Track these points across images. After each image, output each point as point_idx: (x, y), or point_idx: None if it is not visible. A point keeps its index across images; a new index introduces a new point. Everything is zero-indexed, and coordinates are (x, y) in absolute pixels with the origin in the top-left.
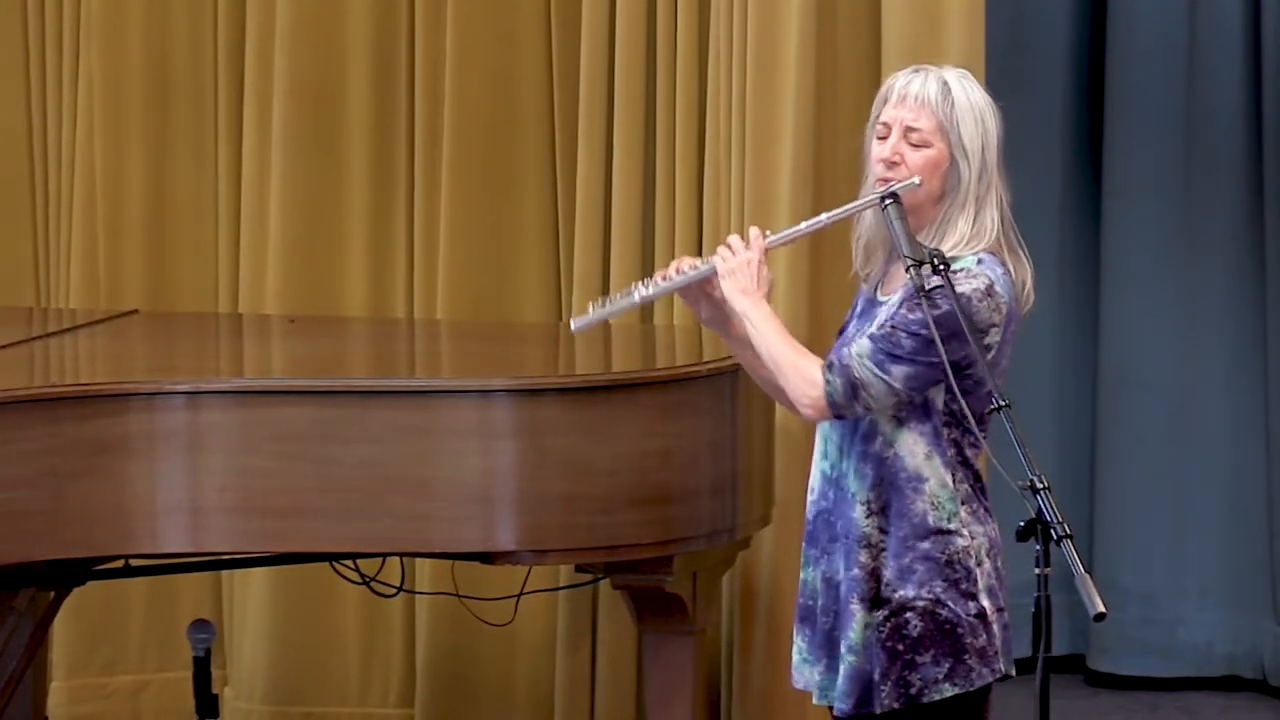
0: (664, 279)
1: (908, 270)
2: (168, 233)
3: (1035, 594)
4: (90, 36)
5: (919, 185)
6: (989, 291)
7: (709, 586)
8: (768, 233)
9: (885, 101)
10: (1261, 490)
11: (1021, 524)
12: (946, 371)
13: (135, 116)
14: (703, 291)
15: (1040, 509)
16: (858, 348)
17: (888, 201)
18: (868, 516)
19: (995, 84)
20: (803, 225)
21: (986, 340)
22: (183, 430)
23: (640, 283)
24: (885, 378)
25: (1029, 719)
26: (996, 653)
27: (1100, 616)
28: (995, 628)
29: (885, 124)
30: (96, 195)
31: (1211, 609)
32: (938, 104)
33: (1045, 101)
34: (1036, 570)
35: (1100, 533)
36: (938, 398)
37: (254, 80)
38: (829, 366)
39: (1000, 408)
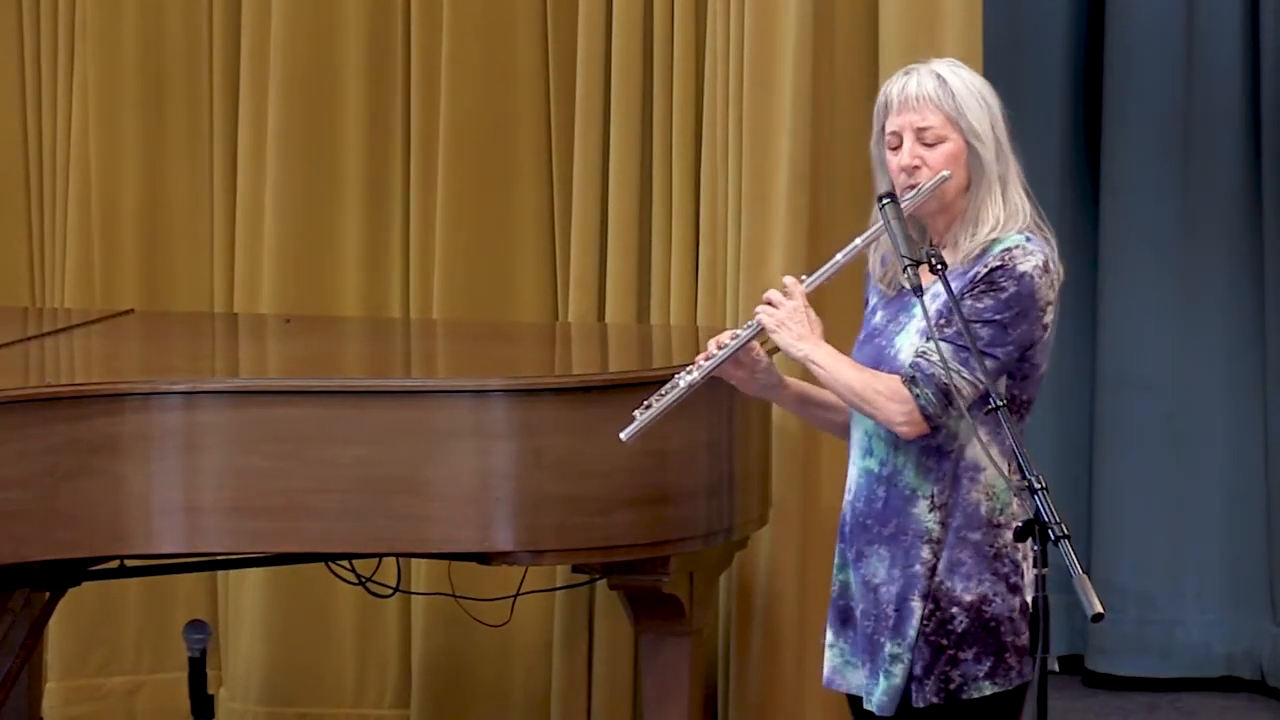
0: (706, 358)
1: (904, 271)
2: (163, 232)
3: (1033, 594)
4: (85, 36)
5: (949, 178)
6: (1046, 268)
7: (706, 587)
8: (803, 278)
9: (887, 111)
10: (1260, 491)
11: (1019, 524)
12: (1038, 349)
13: (130, 116)
14: (748, 358)
15: (1038, 509)
16: (937, 353)
17: (884, 202)
18: (930, 511)
19: (993, 84)
20: (839, 257)
21: (1045, 319)
22: (178, 430)
23: (683, 371)
24: (972, 377)
25: (1028, 719)
26: None
27: (1098, 617)
28: None
29: (894, 133)
30: (92, 195)
31: (1209, 609)
32: (939, 97)
33: (1043, 101)
34: (1034, 570)
35: (1098, 533)
36: (999, 386)
37: (249, 79)
38: (912, 380)
39: (996, 407)
